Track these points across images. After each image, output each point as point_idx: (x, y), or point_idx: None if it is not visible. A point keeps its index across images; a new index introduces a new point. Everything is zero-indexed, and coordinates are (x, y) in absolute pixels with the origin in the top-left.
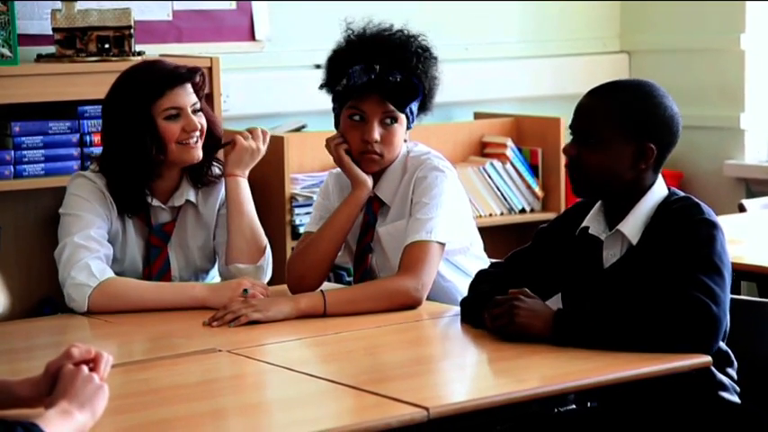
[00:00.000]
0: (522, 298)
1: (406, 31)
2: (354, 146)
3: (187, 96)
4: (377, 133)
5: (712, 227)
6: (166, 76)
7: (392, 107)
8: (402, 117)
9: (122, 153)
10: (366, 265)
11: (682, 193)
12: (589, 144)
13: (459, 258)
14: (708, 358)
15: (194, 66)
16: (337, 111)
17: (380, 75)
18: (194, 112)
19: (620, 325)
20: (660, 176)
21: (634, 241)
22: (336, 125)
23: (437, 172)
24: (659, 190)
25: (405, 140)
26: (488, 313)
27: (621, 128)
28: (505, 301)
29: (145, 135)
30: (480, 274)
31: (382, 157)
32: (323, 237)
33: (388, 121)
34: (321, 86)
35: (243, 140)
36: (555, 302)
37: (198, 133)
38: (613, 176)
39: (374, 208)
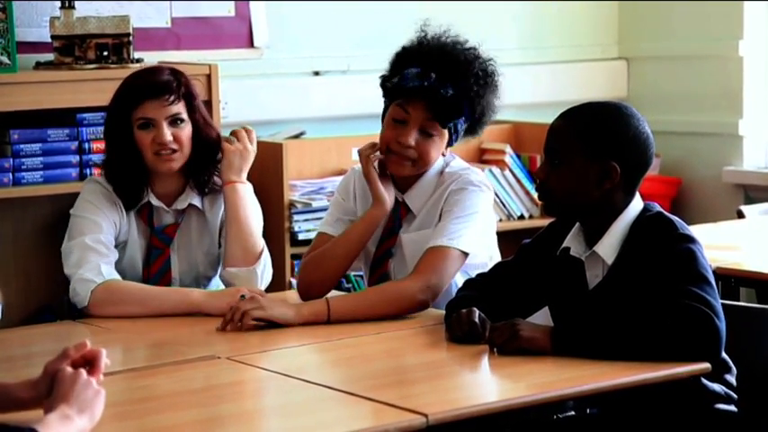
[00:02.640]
0: (519, 320)
1: (476, 50)
2: (388, 141)
3: (162, 108)
4: (413, 139)
5: (690, 241)
6: (144, 87)
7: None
8: (443, 134)
9: (109, 154)
10: (384, 270)
11: (656, 209)
12: (554, 164)
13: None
14: (707, 365)
15: (176, 78)
16: (386, 104)
17: (434, 84)
18: (173, 123)
19: (622, 337)
20: (638, 195)
21: (609, 261)
22: (383, 119)
23: (474, 187)
24: (634, 209)
25: (443, 154)
26: (490, 335)
27: (583, 147)
28: (505, 323)
29: (121, 140)
30: (467, 282)
31: (413, 164)
32: (337, 252)
33: (429, 131)
34: (381, 78)
35: (228, 145)
36: (535, 318)
37: (174, 146)
38: (579, 196)
39: (401, 214)
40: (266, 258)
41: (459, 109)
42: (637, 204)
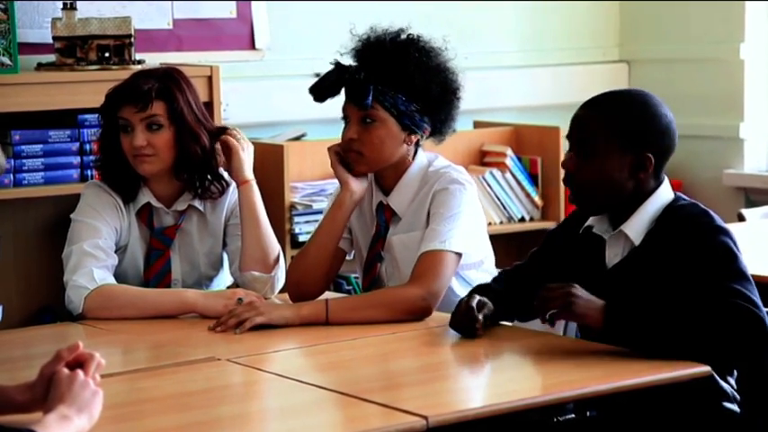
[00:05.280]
0: (576, 287)
1: (413, 35)
2: (342, 145)
3: (136, 113)
4: (353, 132)
5: (726, 234)
6: (123, 91)
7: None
8: (386, 118)
9: (101, 153)
10: (374, 274)
11: (688, 199)
12: (587, 156)
13: (471, 273)
14: (707, 368)
15: (161, 82)
16: None
17: (351, 73)
18: (149, 127)
19: (672, 330)
20: (666, 180)
21: (637, 242)
22: None
23: (457, 185)
24: (665, 193)
25: (408, 143)
26: (540, 296)
27: (619, 139)
28: (560, 287)
29: (110, 140)
30: (501, 273)
31: (364, 158)
32: (313, 242)
33: (368, 120)
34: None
35: (237, 145)
36: None
37: (148, 150)
38: (613, 187)
39: (386, 217)
40: (282, 262)
41: (367, 86)
42: (667, 190)
